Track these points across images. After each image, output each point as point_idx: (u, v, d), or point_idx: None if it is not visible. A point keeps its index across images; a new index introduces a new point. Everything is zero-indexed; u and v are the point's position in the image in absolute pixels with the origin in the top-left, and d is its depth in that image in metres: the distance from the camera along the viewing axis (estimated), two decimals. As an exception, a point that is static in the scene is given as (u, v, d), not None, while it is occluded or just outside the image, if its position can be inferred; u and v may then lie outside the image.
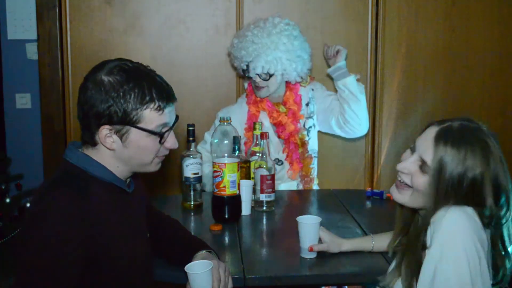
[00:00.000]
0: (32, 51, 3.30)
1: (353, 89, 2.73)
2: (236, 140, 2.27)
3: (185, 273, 1.63)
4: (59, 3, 3.14)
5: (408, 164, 1.51)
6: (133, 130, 1.48)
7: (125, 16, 3.15)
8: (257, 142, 2.42)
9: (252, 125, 2.76)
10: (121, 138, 1.49)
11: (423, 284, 1.41)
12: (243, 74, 2.81)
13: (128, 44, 3.15)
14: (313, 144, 2.90)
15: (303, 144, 2.81)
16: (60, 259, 1.36)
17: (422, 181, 1.47)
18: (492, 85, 3.35)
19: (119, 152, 1.51)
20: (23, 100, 3.36)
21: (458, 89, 3.33)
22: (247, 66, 2.72)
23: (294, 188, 2.81)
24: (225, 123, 2.33)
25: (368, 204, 2.54)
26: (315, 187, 2.93)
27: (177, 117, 1.58)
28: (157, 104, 1.48)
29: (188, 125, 2.39)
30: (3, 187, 3.16)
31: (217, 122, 2.70)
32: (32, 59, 3.31)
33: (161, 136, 1.51)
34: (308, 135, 2.86)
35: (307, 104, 2.86)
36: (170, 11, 3.17)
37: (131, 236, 1.58)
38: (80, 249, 1.39)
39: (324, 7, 3.22)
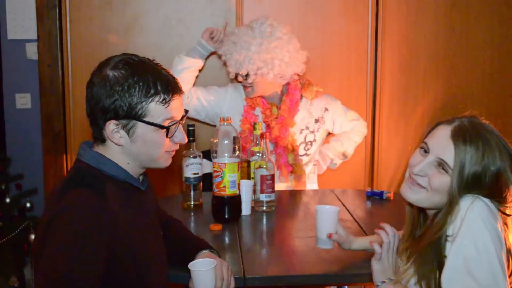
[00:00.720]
0: (32, 51, 3.29)
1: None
2: (236, 140, 2.27)
3: (189, 271, 1.63)
4: (59, 3, 3.15)
5: (425, 166, 1.50)
6: (140, 125, 1.47)
7: (125, 16, 3.16)
8: (257, 142, 2.42)
9: (248, 117, 2.76)
10: (128, 133, 1.48)
11: (451, 276, 1.41)
12: None
13: (128, 44, 3.15)
14: (311, 158, 2.87)
15: (293, 149, 2.79)
16: (84, 256, 1.36)
17: (442, 181, 1.48)
18: (492, 85, 3.35)
19: (128, 148, 1.50)
20: (23, 100, 3.35)
21: (458, 89, 3.33)
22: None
23: (284, 188, 2.80)
24: (225, 123, 2.33)
25: (368, 204, 2.54)
26: (314, 186, 2.93)
27: (186, 111, 1.57)
28: (162, 97, 1.47)
29: (188, 125, 2.39)
30: (3, 187, 3.15)
31: (230, 89, 2.86)
32: (32, 59, 3.30)
33: (167, 130, 1.50)
34: (305, 149, 2.82)
35: (316, 121, 2.82)
36: (170, 11, 3.17)
37: (148, 233, 1.58)
38: (103, 245, 1.39)
39: (324, 7, 3.22)
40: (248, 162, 2.43)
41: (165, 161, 1.57)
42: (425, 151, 1.53)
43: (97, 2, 3.14)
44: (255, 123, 2.47)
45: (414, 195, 1.54)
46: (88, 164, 1.50)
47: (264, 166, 2.35)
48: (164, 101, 1.48)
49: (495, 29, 3.30)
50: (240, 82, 2.79)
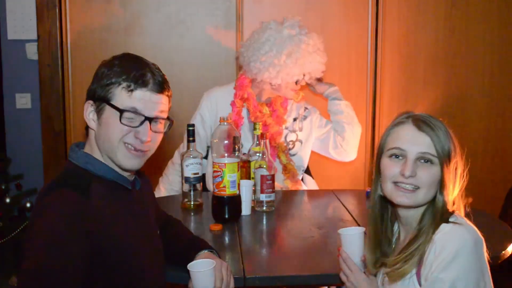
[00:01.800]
0: (32, 51, 3.29)
1: (351, 111, 2.85)
2: (236, 140, 2.27)
3: (188, 272, 1.63)
4: (59, 3, 3.15)
5: (413, 166, 1.50)
6: (107, 108, 1.49)
7: (125, 16, 3.16)
8: (257, 142, 2.42)
9: (236, 120, 2.76)
10: (97, 114, 1.51)
11: None
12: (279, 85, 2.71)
13: (128, 44, 3.15)
14: (299, 161, 2.84)
15: (284, 148, 2.78)
16: (61, 257, 1.35)
17: (431, 173, 1.50)
18: (491, 85, 3.35)
19: (97, 133, 1.52)
20: (23, 100, 3.36)
21: (458, 89, 3.33)
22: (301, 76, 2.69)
23: (279, 189, 2.78)
24: (225, 123, 2.32)
25: (368, 204, 2.54)
26: (314, 186, 2.93)
27: (171, 121, 1.58)
28: (128, 84, 1.48)
29: (188, 125, 2.39)
30: (3, 187, 3.15)
31: (203, 105, 2.78)
32: (32, 59, 3.30)
33: (121, 113, 1.48)
34: (288, 148, 2.81)
35: (294, 119, 2.83)
36: (170, 11, 3.17)
37: (139, 234, 1.57)
38: (82, 246, 1.38)
39: (324, 7, 3.22)
40: (248, 162, 2.43)
41: (123, 156, 1.52)
42: (400, 156, 1.53)
43: (97, 2, 3.14)
44: (255, 123, 2.47)
45: (414, 198, 1.52)
46: (76, 165, 1.52)
47: (264, 166, 2.35)
48: (128, 88, 1.48)
49: (495, 30, 3.30)
50: (294, 87, 2.73)
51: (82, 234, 1.38)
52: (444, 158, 1.49)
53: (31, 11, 3.24)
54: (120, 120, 1.48)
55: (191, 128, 2.38)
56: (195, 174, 2.37)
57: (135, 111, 1.49)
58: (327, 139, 2.86)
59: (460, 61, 3.31)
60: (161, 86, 1.53)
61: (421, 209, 1.54)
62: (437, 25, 3.27)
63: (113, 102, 1.48)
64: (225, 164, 2.17)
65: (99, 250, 1.42)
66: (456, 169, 1.52)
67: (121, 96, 1.48)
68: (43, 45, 3.20)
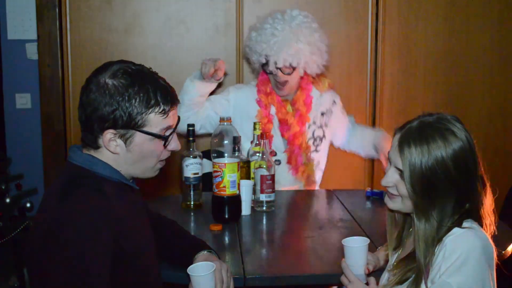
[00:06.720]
0: (32, 51, 3.30)
1: None
2: (236, 140, 2.27)
3: (187, 274, 1.62)
4: (59, 3, 3.15)
5: (389, 178, 1.54)
6: (138, 134, 1.47)
7: (125, 16, 3.16)
8: (257, 142, 2.42)
9: (267, 116, 2.71)
10: (125, 142, 1.47)
11: None
12: (261, 69, 2.72)
13: (128, 44, 3.15)
14: (320, 157, 2.80)
15: (307, 148, 2.73)
16: (95, 258, 1.36)
17: (405, 187, 1.51)
18: (492, 85, 3.35)
19: (123, 156, 1.49)
20: (23, 100, 3.36)
21: (458, 89, 3.33)
22: (267, 60, 2.60)
23: (295, 188, 2.78)
24: (225, 123, 2.33)
25: (368, 204, 2.54)
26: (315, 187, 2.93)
27: (178, 118, 1.57)
28: (162, 108, 1.48)
29: (188, 125, 2.39)
30: (3, 187, 3.15)
31: (231, 92, 2.75)
32: (32, 59, 3.30)
33: (165, 139, 1.51)
34: (315, 145, 2.76)
35: (322, 114, 2.78)
36: (170, 11, 3.17)
37: (145, 232, 1.59)
38: (110, 245, 1.39)
39: (324, 7, 3.22)
40: (248, 162, 2.43)
41: (156, 171, 1.58)
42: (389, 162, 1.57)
43: (97, 2, 3.14)
44: (255, 123, 2.46)
45: (394, 205, 1.57)
46: (81, 167, 1.49)
47: (264, 166, 2.35)
48: (163, 111, 1.48)
49: (495, 29, 3.30)
50: (278, 79, 2.64)
51: (110, 233, 1.39)
52: (412, 178, 1.47)
53: (31, 11, 3.24)
54: (164, 144, 1.51)
55: (191, 128, 2.38)
56: (195, 174, 2.37)
57: (170, 130, 1.52)
58: (344, 134, 2.90)
59: (460, 61, 3.31)
60: (175, 94, 1.54)
61: None
62: (437, 25, 3.27)
63: (146, 128, 1.47)
64: (225, 164, 2.17)
65: (120, 247, 1.42)
66: (439, 197, 1.47)
67: (155, 120, 1.47)
68: (43, 45, 3.20)
